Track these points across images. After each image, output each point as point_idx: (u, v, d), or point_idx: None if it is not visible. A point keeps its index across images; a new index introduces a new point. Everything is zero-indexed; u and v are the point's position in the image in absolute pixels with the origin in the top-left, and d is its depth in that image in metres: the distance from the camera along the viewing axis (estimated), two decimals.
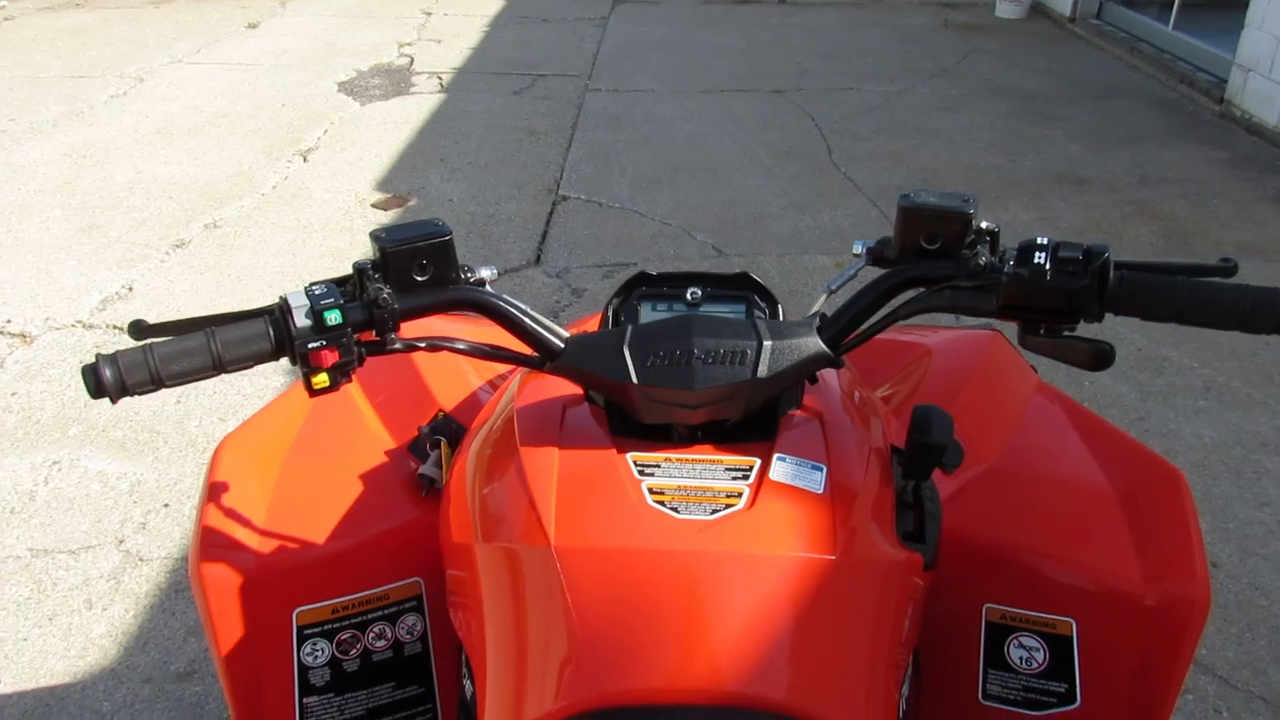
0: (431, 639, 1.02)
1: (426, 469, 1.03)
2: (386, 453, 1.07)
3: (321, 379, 0.76)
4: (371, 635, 1.00)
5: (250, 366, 0.76)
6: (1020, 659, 0.97)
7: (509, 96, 5.31)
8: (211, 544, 0.95)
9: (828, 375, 0.96)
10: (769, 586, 0.72)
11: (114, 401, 0.73)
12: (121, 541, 2.28)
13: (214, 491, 0.99)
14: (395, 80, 5.56)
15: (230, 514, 0.98)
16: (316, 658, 0.98)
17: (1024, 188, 4.18)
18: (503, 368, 1.20)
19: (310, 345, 0.75)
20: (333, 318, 0.75)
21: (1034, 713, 0.98)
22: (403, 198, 4.09)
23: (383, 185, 4.19)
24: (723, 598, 0.71)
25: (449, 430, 1.06)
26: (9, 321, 3.17)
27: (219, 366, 0.74)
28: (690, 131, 4.83)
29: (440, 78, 5.61)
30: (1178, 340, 3.05)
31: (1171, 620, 0.92)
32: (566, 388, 0.92)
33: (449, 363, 1.18)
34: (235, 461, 1.03)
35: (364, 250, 3.64)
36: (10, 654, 1.99)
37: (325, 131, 4.76)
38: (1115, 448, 1.05)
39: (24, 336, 3.09)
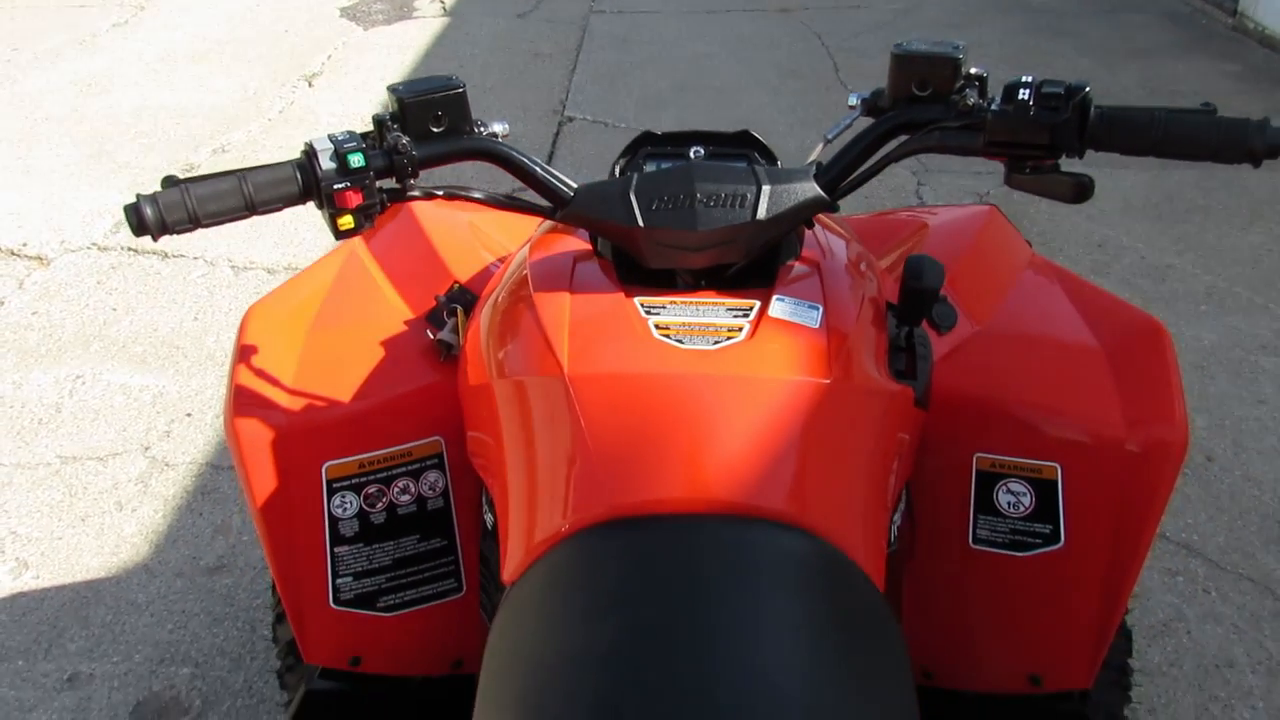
0: (453, 495, 1.08)
1: (444, 335, 1.08)
2: (405, 322, 1.12)
3: (346, 220, 0.80)
4: (396, 490, 1.06)
5: (279, 209, 0.80)
6: (1008, 504, 1.03)
7: (513, 20, 5.26)
8: (244, 401, 1.01)
9: (827, 234, 1.00)
10: (767, 407, 0.77)
11: (155, 239, 0.78)
12: (147, 448, 2.36)
13: (244, 353, 1.05)
14: (398, 5, 5.50)
15: (260, 374, 1.03)
16: (345, 510, 1.04)
17: None
18: (513, 244, 1.25)
19: (335, 186, 0.79)
20: (355, 160, 0.79)
21: (1020, 554, 1.04)
22: None
23: None
24: (724, 417, 0.76)
25: (465, 300, 1.11)
26: (25, 245, 3.21)
27: (250, 207, 0.78)
28: (696, 52, 4.79)
29: (443, 2, 5.55)
30: (1181, 249, 3.08)
31: (1151, 462, 0.97)
32: (576, 245, 0.96)
33: (463, 240, 1.22)
34: (262, 327, 1.08)
35: None
36: (46, 551, 2.08)
37: (329, 57, 4.74)
38: (1102, 307, 1.09)
39: (41, 259, 3.15)
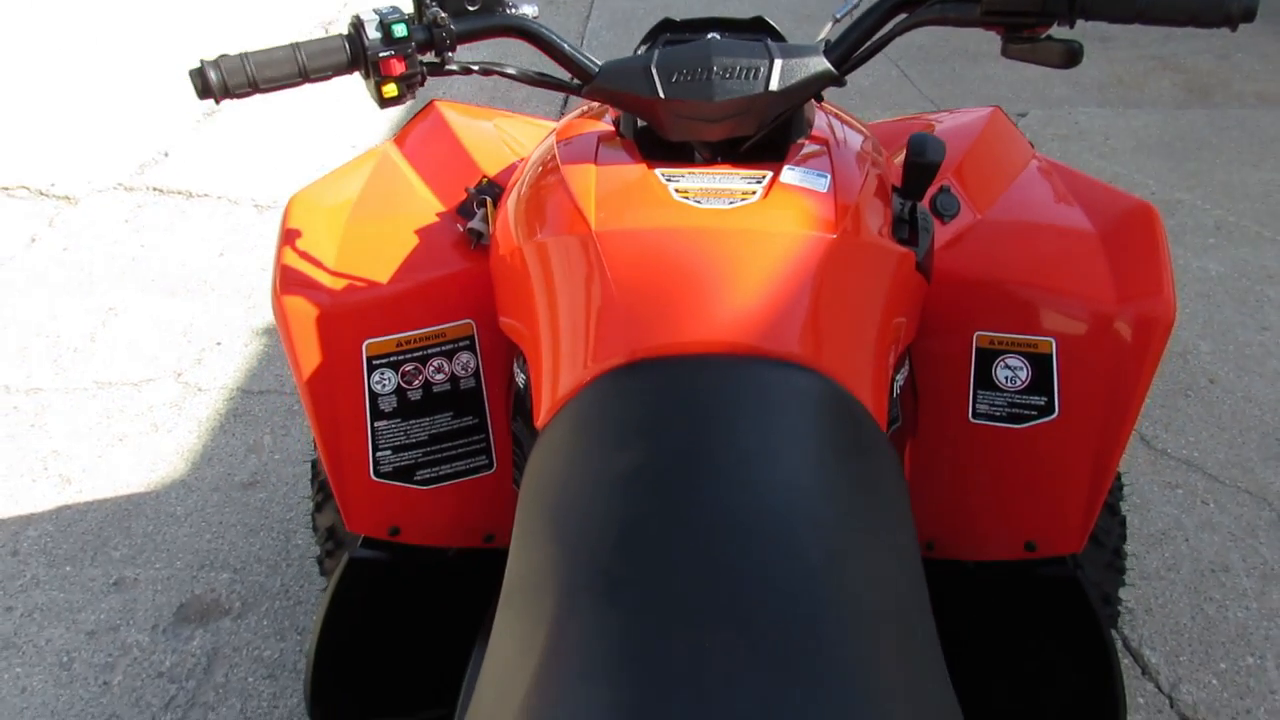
0: (484, 376, 1.16)
1: (474, 224, 1.15)
2: (437, 214, 1.18)
3: (390, 88, 0.87)
4: (431, 368, 1.13)
5: (330, 77, 0.87)
6: (1006, 378, 1.09)
7: None
8: (289, 280, 1.08)
9: (838, 121, 1.06)
10: (779, 258, 0.83)
11: (218, 101, 0.84)
12: (180, 375, 2.45)
13: (289, 236, 1.12)
14: None
15: (304, 256, 1.10)
16: (384, 386, 1.12)
17: None
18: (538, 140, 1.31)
19: (381, 54, 0.86)
20: (399, 30, 0.86)
21: (1017, 426, 1.10)
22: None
23: None
24: (739, 268, 0.83)
25: (493, 192, 1.17)
26: (53, 185, 3.29)
27: (303, 74, 0.85)
28: None
29: None
30: (1191, 185, 3.10)
31: (1139, 335, 1.03)
32: (600, 128, 1.02)
33: (491, 140, 1.28)
34: (305, 214, 1.15)
35: (392, 123, 3.72)
36: (88, 467, 2.18)
37: (345, 4, 4.78)
38: (1098, 196, 1.14)
39: (69, 198, 3.22)
